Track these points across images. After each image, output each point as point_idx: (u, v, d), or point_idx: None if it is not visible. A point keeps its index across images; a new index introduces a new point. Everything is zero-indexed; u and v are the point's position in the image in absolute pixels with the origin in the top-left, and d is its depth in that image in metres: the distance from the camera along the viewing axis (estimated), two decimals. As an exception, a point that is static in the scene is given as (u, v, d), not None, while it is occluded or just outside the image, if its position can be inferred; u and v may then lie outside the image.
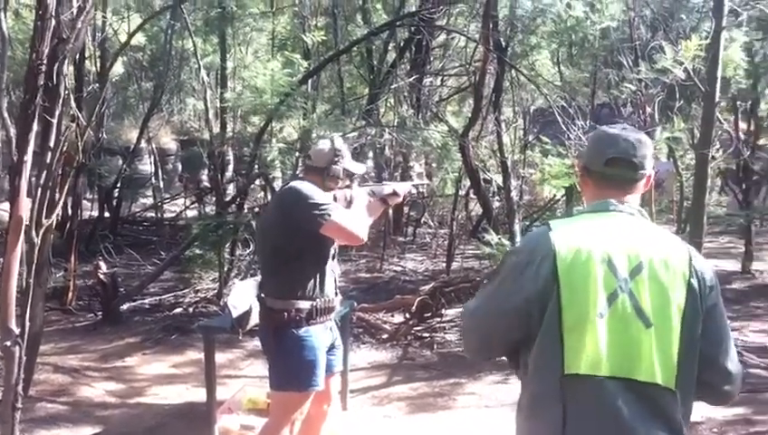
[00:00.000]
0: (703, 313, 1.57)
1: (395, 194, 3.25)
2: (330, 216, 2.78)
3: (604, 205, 1.67)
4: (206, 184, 13.52)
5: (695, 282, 1.56)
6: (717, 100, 5.99)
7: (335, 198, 3.03)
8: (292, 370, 2.87)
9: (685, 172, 11.48)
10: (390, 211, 10.41)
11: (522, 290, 1.57)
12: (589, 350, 1.50)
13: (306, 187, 2.87)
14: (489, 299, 1.66)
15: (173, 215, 12.40)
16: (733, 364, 1.64)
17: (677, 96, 6.35)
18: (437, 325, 6.50)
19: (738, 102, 9.70)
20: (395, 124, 8.97)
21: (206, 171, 14.18)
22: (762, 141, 10.10)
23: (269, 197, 9.03)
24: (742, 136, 9.69)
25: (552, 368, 1.53)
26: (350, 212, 2.95)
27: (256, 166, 8.20)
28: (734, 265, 10.00)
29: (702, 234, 6.44)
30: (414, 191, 3.81)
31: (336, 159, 3.00)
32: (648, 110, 8.19)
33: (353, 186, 3.15)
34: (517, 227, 8.00)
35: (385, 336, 6.29)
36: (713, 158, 6.86)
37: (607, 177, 1.69)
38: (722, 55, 5.76)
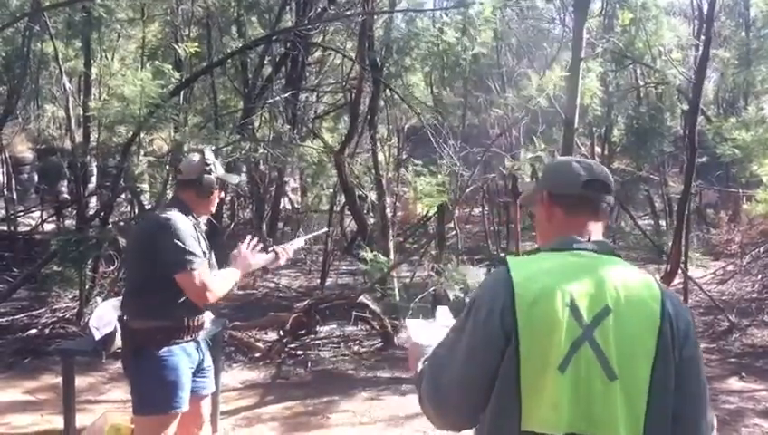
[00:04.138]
0: (677, 364, 1.41)
1: (276, 259, 3.23)
2: (191, 269, 2.71)
3: (568, 242, 1.54)
4: (66, 196, 12.73)
5: (667, 328, 1.41)
6: (576, 126, 6.41)
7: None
8: (153, 391, 2.76)
9: (547, 193, 12.14)
10: (264, 227, 10.27)
11: (488, 345, 1.42)
12: (547, 406, 1.37)
13: (181, 226, 2.74)
14: (459, 366, 1.46)
15: (28, 228, 11.57)
16: (707, 423, 1.48)
17: (540, 121, 6.73)
18: (312, 343, 6.47)
19: (594, 128, 10.44)
20: (270, 139, 8.87)
21: (65, 183, 13.36)
22: (615, 165, 10.90)
23: (136, 211, 8.65)
24: (597, 159, 10.43)
25: (509, 424, 1.40)
26: (215, 276, 2.88)
27: (123, 179, 7.81)
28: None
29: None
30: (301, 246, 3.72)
31: (207, 168, 2.91)
32: (514, 133, 8.62)
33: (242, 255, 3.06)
34: (391, 244, 8.15)
35: (258, 355, 6.16)
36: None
37: (584, 200, 1.59)
38: (580, 84, 6.18)
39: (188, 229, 2.77)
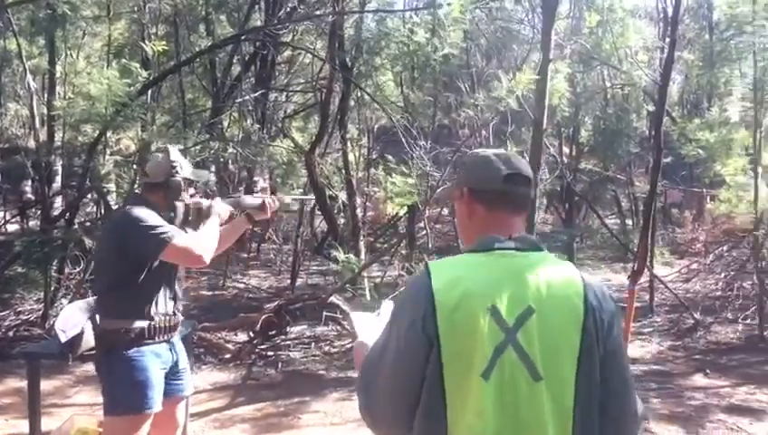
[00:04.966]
0: (601, 357, 1.41)
1: (263, 209, 3.16)
2: (169, 240, 2.68)
3: (489, 242, 1.50)
4: (30, 196, 12.48)
5: (590, 323, 1.40)
6: (544, 126, 6.47)
7: (187, 210, 2.91)
8: (123, 392, 2.73)
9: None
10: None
11: (413, 354, 1.39)
12: (472, 413, 1.35)
13: (140, 212, 2.74)
14: (387, 376, 1.44)
15: (-10, 229, 11.31)
16: (633, 415, 1.48)
17: (510, 121, 6.78)
18: (282, 343, 6.44)
19: (562, 129, 10.57)
20: (239, 139, 8.81)
21: (29, 183, 13.09)
22: (582, 165, 11.05)
23: (103, 212, 8.52)
24: (565, 160, 10.56)
25: (436, 426, 1.38)
26: (193, 233, 2.85)
27: (89, 179, 7.69)
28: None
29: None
30: (293, 207, 3.66)
31: (173, 170, 2.89)
32: (484, 133, 8.67)
33: (216, 199, 3.03)
34: (362, 244, 8.16)
35: (228, 356, 6.11)
36: (540, 180, 7.40)
37: (505, 195, 1.55)
38: (548, 85, 6.24)
39: (151, 213, 2.76)
